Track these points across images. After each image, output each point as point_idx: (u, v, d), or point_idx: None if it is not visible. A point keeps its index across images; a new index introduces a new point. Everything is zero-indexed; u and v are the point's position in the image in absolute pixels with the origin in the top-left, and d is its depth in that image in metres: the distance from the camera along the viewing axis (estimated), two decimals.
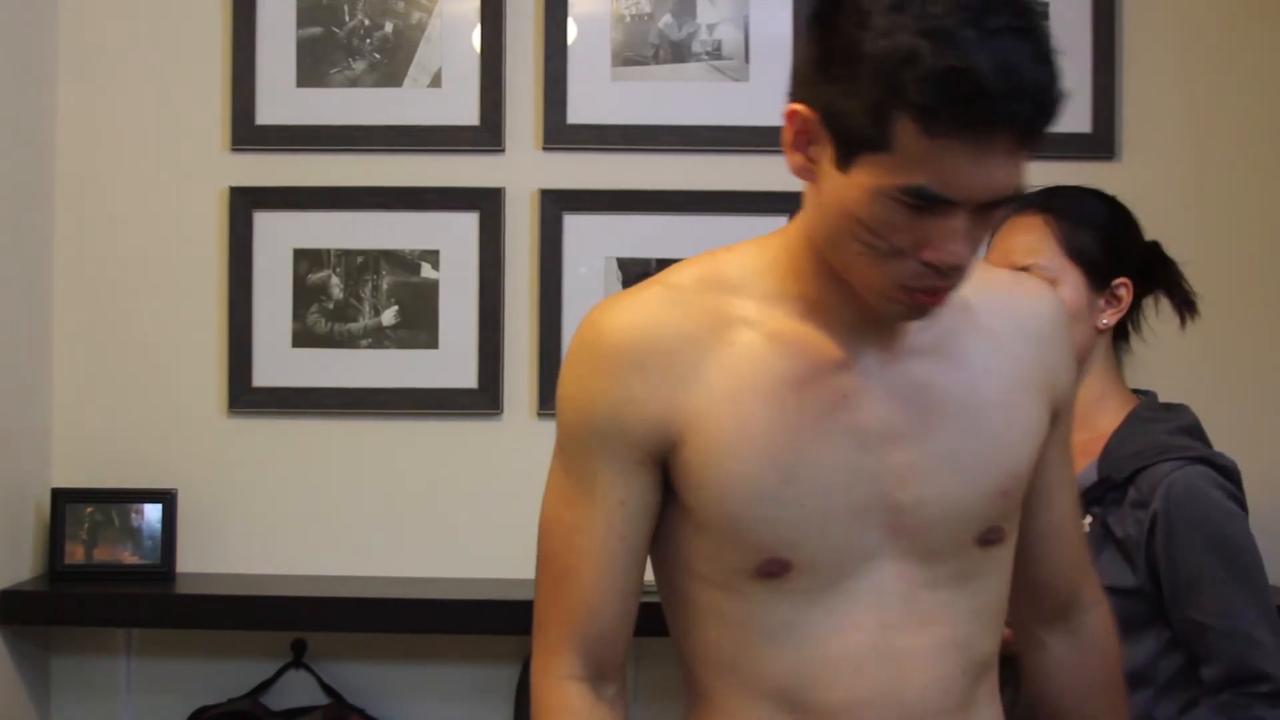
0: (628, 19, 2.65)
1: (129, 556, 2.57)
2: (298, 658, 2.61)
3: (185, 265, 2.65)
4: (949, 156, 1.12)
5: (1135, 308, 1.94)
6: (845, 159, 1.17)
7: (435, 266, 2.64)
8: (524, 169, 2.64)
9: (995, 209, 1.18)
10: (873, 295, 1.22)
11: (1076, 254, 1.88)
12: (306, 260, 2.65)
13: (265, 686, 2.59)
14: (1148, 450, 1.80)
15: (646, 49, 2.65)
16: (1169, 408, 1.91)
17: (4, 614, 2.44)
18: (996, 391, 1.32)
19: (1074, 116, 2.61)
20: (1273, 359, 2.63)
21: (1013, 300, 1.37)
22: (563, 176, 2.64)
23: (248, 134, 2.65)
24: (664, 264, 2.63)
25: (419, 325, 2.64)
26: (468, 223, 2.64)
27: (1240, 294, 2.60)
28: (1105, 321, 1.90)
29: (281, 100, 2.65)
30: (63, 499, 2.56)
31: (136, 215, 2.65)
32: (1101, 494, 1.82)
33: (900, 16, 1.12)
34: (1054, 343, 1.38)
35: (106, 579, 2.54)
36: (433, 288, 2.64)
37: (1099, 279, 1.89)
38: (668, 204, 2.63)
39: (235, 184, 2.64)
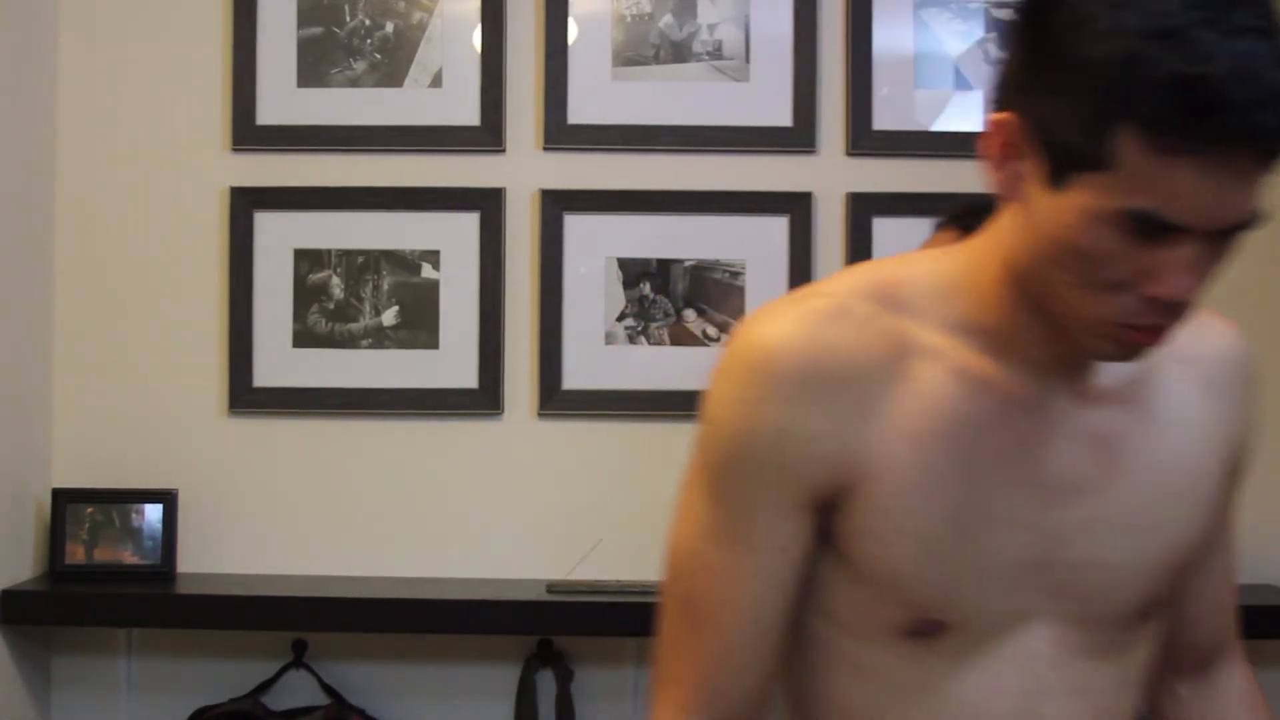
0: (628, 19, 2.65)
1: (129, 556, 2.57)
2: (298, 658, 2.61)
3: (186, 265, 2.65)
4: (1179, 176, 0.98)
5: None
6: (1058, 177, 1.03)
7: (436, 267, 2.64)
8: (524, 169, 2.65)
9: (1229, 236, 1.02)
10: (1081, 332, 1.07)
11: None
12: (307, 260, 2.65)
13: (266, 686, 2.59)
14: None
15: (647, 49, 2.65)
16: None
17: (5, 614, 2.44)
18: (1181, 451, 1.19)
19: None
20: (1273, 360, 2.62)
21: (1199, 343, 1.21)
22: (563, 177, 2.64)
23: (248, 134, 2.65)
24: (665, 264, 2.66)
25: (419, 325, 2.64)
26: (468, 223, 2.64)
27: (1238, 295, 2.60)
28: None
29: (282, 100, 2.65)
30: (63, 499, 2.56)
31: (137, 215, 2.66)
32: None
33: (1124, 14, 0.98)
34: (1237, 394, 1.24)
35: (107, 579, 2.54)
36: (433, 288, 2.64)
37: None
38: (668, 204, 2.63)
39: (236, 184, 2.64)
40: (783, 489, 1.12)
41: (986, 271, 1.14)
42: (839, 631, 1.17)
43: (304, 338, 2.64)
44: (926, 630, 1.14)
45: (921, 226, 2.62)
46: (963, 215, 1.92)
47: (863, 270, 1.18)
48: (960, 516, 1.11)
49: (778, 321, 1.13)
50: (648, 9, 2.65)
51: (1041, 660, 1.16)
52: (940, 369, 1.12)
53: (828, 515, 1.14)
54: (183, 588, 2.53)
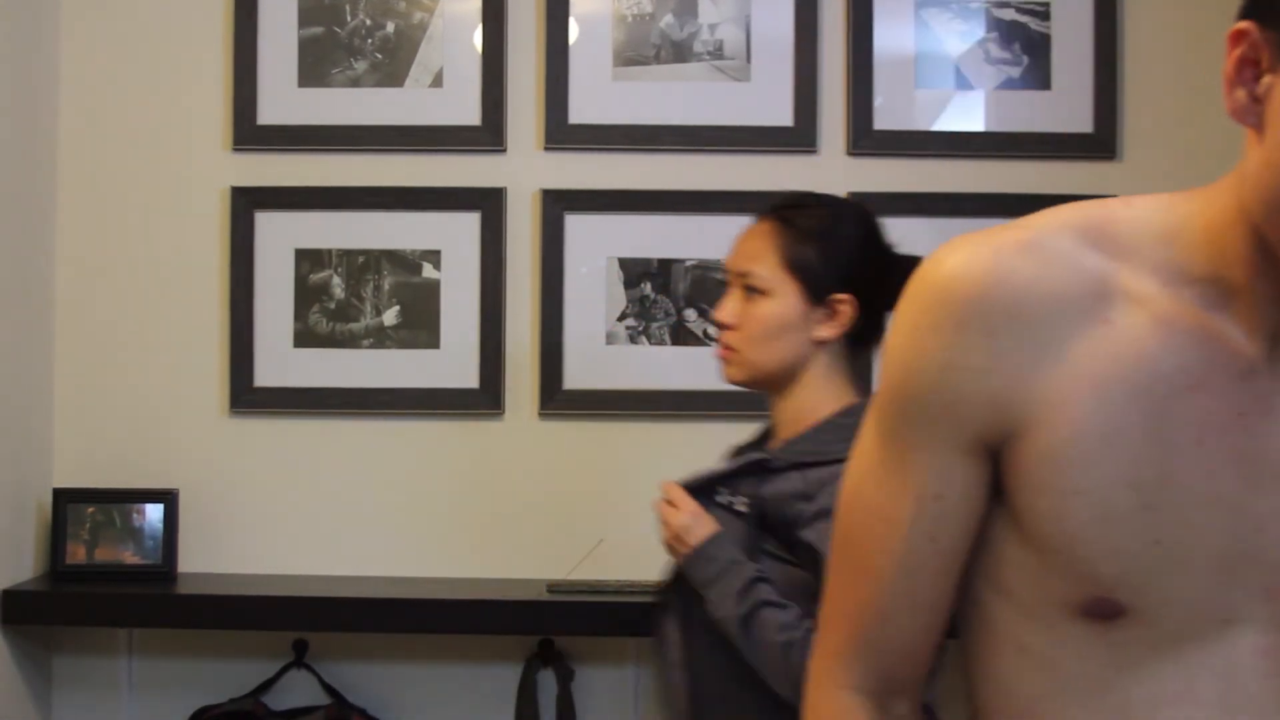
0: (629, 19, 2.65)
1: (130, 556, 2.57)
2: (299, 657, 2.61)
3: (187, 265, 2.65)
4: None
5: (877, 320, 1.95)
6: None
7: (437, 266, 2.64)
8: (525, 169, 2.65)
9: None
10: None
11: (795, 266, 1.90)
12: (308, 260, 2.65)
13: (267, 686, 2.60)
14: (816, 450, 1.85)
15: (648, 49, 2.65)
16: None
17: (6, 614, 2.44)
18: None
19: (1075, 116, 2.62)
20: None
21: None
22: (564, 176, 2.64)
23: (249, 134, 2.65)
24: (666, 264, 2.66)
25: (420, 325, 2.64)
26: (469, 223, 2.64)
27: None
28: (822, 334, 1.90)
29: (283, 100, 2.65)
30: (64, 499, 2.56)
31: (138, 215, 2.66)
32: (740, 477, 1.89)
33: None
34: None
35: (108, 579, 2.54)
36: (434, 288, 2.64)
37: (817, 292, 1.90)
38: (669, 204, 2.63)
39: (237, 184, 2.64)
40: (944, 428, 1.03)
41: (1220, 213, 0.99)
42: (1008, 606, 1.06)
43: (305, 337, 2.64)
44: (1101, 612, 1.00)
45: (923, 226, 2.63)
46: (783, 208, 1.94)
47: (1078, 206, 1.05)
48: (1145, 484, 0.98)
49: (962, 251, 1.03)
50: (648, 9, 2.65)
51: (1246, 672, 1.00)
52: (1145, 316, 0.99)
53: (997, 464, 1.03)
54: (183, 588, 2.53)
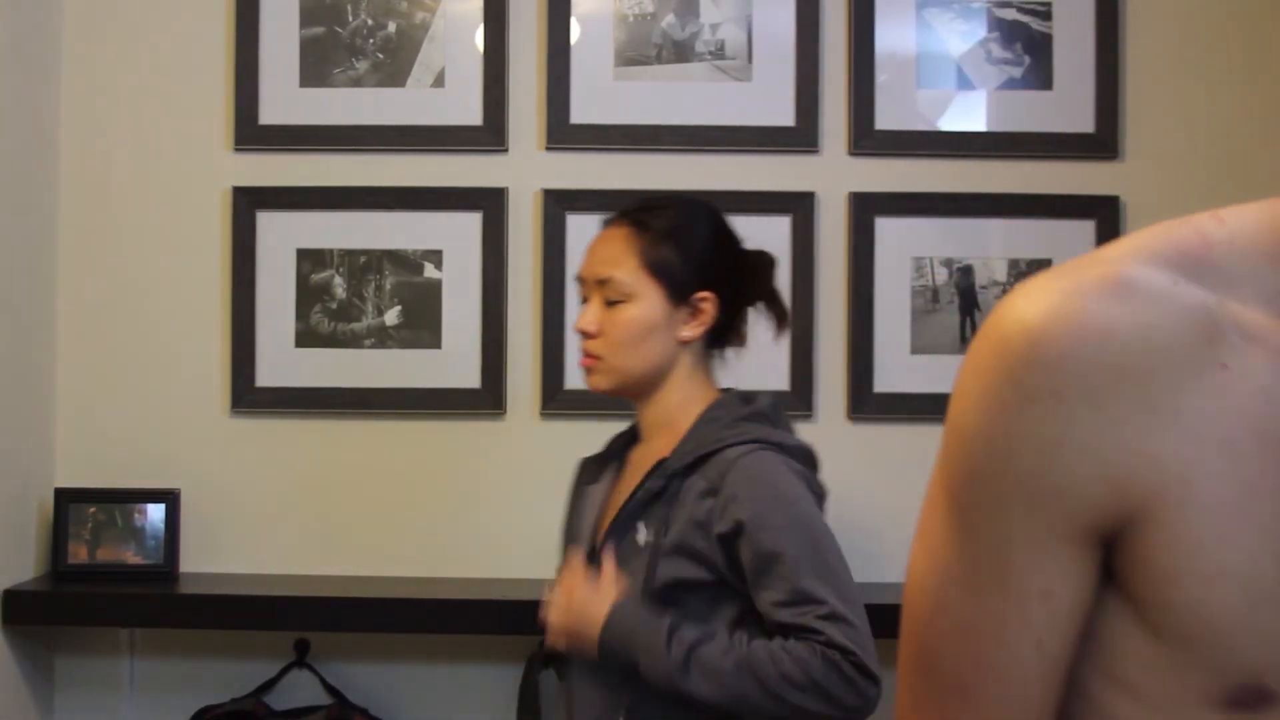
0: (630, 19, 2.65)
1: (132, 556, 2.57)
2: (300, 657, 2.61)
3: (188, 265, 2.65)
4: None
5: (734, 316, 1.97)
6: None
7: (438, 266, 2.64)
8: (527, 169, 2.65)
9: None
10: None
11: (655, 268, 1.90)
12: (309, 260, 2.65)
13: (268, 686, 2.60)
14: (706, 443, 1.86)
15: (649, 49, 2.65)
16: (746, 398, 1.95)
17: (7, 614, 2.44)
18: None
19: (1077, 116, 2.62)
20: None
21: None
22: (565, 176, 2.64)
23: (251, 134, 2.65)
24: None
25: (422, 325, 2.64)
26: (471, 223, 2.64)
27: None
28: (686, 334, 1.92)
29: (285, 100, 2.65)
30: (66, 499, 2.56)
31: (140, 215, 2.66)
32: (656, 493, 1.87)
33: None
34: None
35: (109, 579, 2.54)
36: (436, 288, 2.64)
37: (679, 293, 1.90)
38: None
39: (238, 184, 2.64)
40: (1049, 517, 0.85)
41: None
42: (1130, 702, 0.89)
43: (306, 337, 2.64)
44: (1249, 700, 0.85)
45: (924, 226, 2.63)
46: (634, 210, 1.95)
47: (1162, 231, 0.89)
48: None
49: (1043, 296, 0.85)
50: (650, 9, 2.65)
51: None
52: (1264, 354, 0.84)
53: (1110, 550, 0.87)
54: (185, 587, 2.53)
